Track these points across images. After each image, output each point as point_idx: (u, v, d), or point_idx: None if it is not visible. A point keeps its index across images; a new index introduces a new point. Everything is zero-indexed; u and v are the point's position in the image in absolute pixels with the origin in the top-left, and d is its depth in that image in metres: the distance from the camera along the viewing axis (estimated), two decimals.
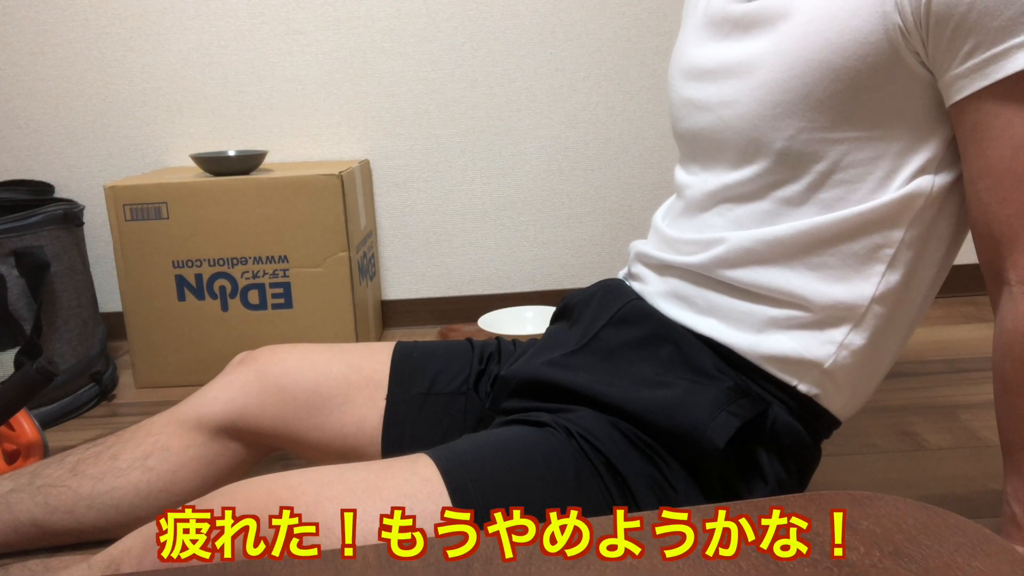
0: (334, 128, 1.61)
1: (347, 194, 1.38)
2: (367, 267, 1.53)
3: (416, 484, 0.63)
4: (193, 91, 1.59)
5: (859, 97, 0.63)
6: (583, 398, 0.71)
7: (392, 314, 1.71)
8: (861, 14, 0.61)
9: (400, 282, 1.70)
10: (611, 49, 1.59)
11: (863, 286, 0.67)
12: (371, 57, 1.58)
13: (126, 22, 1.55)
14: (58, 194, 1.59)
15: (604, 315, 0.78)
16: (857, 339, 0.68)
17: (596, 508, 0.65)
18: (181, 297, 1.37)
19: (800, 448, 0.70)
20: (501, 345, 0.88)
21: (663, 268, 0.78)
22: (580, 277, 1.71)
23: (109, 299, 1.66)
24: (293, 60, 1.58)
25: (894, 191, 0.65)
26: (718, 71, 0.72)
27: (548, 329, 0.87)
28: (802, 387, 0.69)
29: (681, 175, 0.81)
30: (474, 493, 0.63)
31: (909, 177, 0.65)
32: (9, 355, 1.23)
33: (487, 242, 1.68)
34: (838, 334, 0.68)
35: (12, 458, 1.03)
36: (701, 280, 0.74)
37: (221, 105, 1.59)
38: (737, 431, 0.66)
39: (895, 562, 0.35)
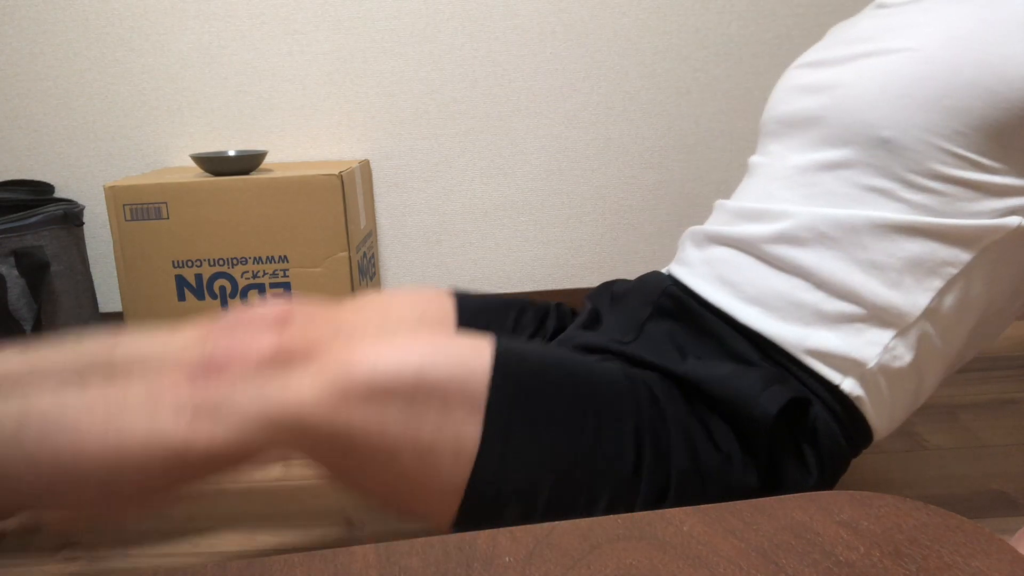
0: (334, 128, 1.62)
1: (347, 194, 1.38)
2: (367, 267, 1.53)
3: (469, 344, 0.66)
4: (193, 91, 1.59)
5: (993, 124, 0.62)
6: (643, 366, 0.73)
7: None
8: None
9: (400, 282, 1.70)
10: (611, 49, 1.59)
11: (918, 296, 0.67)
12: (371, 57, 1.58)
13: (126, 22, 1.55)
14: (58, 194, 1.59)
15: (645, 309, 0.79)
16: (902, 348, 0.68)
17: (618, 434, 0.65)
18: (181, 297, 1.37)
19: (836, 453, 0.70)
20: (552, 308, 0.89)
21: (717, 241, 0.78)
22: (580, 277, 1.71)
23: (109, 299, 1.66)
24: (293, 60, 1.58)
25: (980, 219, 0.65)
26: (847, 57, 0.72)
27: (592, 304, 0.87)
28: (845, 385, 0.69)
29: (757, 159, 0.81)
30: (515, 370, 0.65)
31: (1001, 212, 0.64)
32: None
33: (487, 242, 1.68)
34: (885, 336, 0.68)
35: None
36: (753, 259, 0.74)
37: (221, 105, 1.59)
38: (787, 406, 0.66)
39: (895, 562, 0.35)
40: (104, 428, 0.62)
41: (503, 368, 0.65)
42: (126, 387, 0.65)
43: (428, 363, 0.63)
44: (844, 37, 0.76)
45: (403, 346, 0.64)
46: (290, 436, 0.62)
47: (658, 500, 0.66)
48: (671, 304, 0.77)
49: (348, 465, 0.64)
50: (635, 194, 1.67)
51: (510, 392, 0.64)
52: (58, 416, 0.62)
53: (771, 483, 0.68)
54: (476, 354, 0.65)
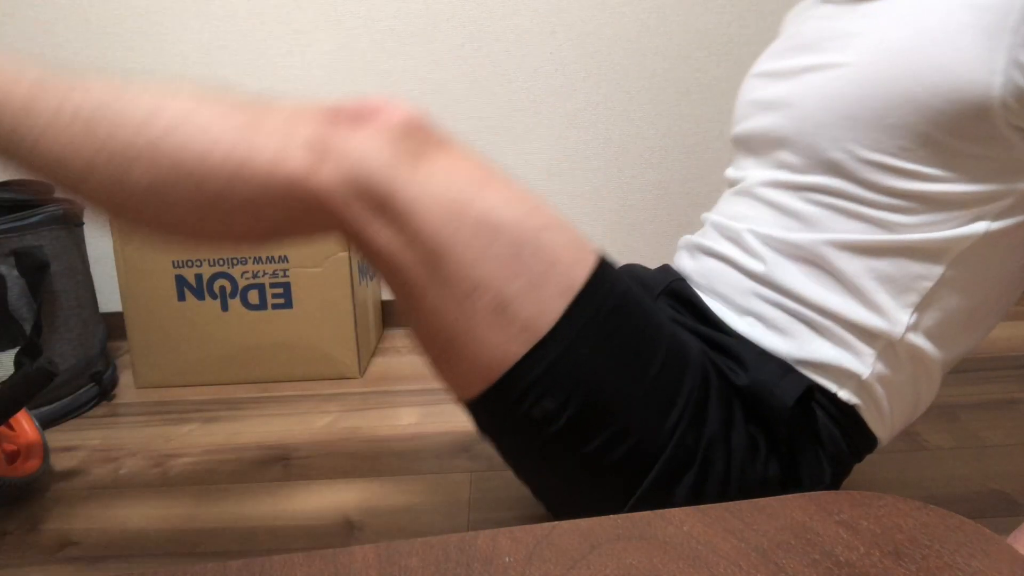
0: None
1: None
2: (367, 267, 1.53)
3: (585, 238, 0.65)
4: None
5: (933, 137, 0.62)
6: None
7: (392, 314, 1.71)
8: (965, 69, 0.59)
9: None
10: (611, 49, 1.59)
11: (897, 313, 0.67)
12: (371, 57, 1.58)
13: (126, 22, 1.55)
14: (58, 194, 1.59)
15: (656, 290, 0.80)
16: (893, 360, 0.68)
17: (679, 379, 0.66)
18: (181, 297, 1.37)
19: (839, 458, 0.70)
20: None
21: (706, 253, 0.79)
22: None
23: (109, 299, 1.66)
24: (293, 60, 1.58)
25: (946, 229, 0.64)
26: (795, 70, 0.72)
27: None
28: (842, 394, 0.69)
29: (731, 173, 0.82)
30: (612, 281, 0.65)
31: (967, 219, 0.64)
32: (9, 355, 1.23)
33: None
34: (874, 351, 0.68)
35: (12, 458, 1.03)
36: (741, 274, 0.74)
37: None
38: (803, 398, 0.66)
39: (895, 562, 0.35)
40: (236, 138, 0.60)
41: (604, 274, 0.65)
42: (265, 111, 0.64)
43: (550, 229, 0.63)
44: (793, 41, 0.76)
45: (537, 202, 0.64)
46: (395, 216, 0.61)
47: (681, 468, 0.65)
48: (680, 288, 0.78)
49: (423, 281, 0.62)
50: (635, 194, 1.67)
51: (602, 297, 0.64)
52: (193, 115, 0.61)
53: (790, 476, 0.68)
54: (588, 249, 0.65)
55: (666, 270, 0.83)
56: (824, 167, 0.68)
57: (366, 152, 0.61)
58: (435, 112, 1.61)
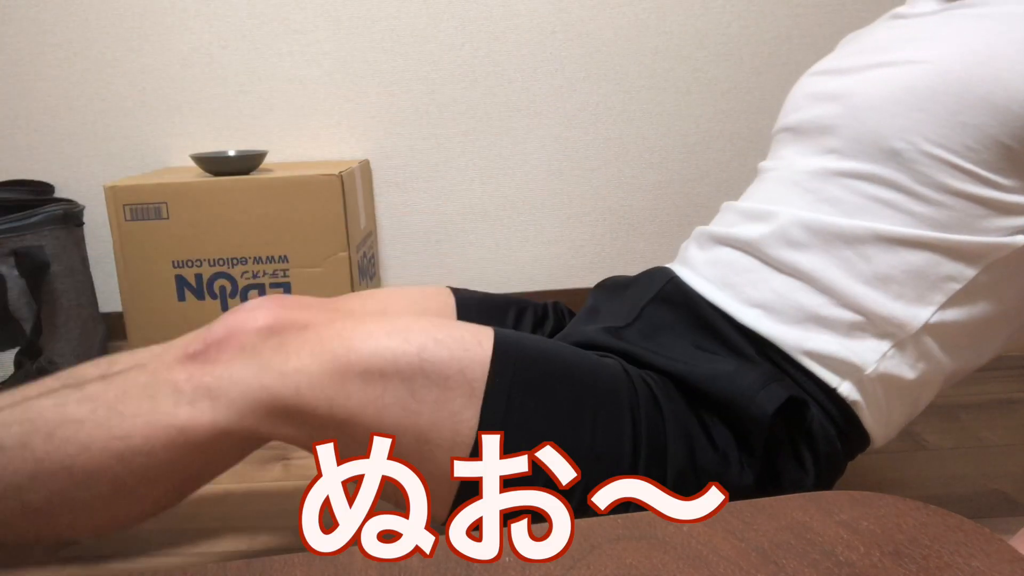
0: (334, 128, 1.61)
1: (347, 194, 1.38)
2: (367, 267, 1.53)
3: (469, 331, 0.65)
4: (193, 91, 1.59)
5: (1004, 143, 0.62)
6: (640, 364, 0.72)
7: None
8: None
9: (400, 282, 1.70)
10: (611, 49, 1.59)
11: (918, 310, 0.67)
12: (371, 57, 1.58)
13: (126, 22, 1.55)
14: (58, 194, 1.59)
15: (648, 293, 0.79)
16: (900, 357, 0.68)
17: (616, 429, 0.65)
18: (181, 297, 1.37)
19: (832, 457, 0.70)
20: (550, 307, 0.90)
21: (721, 242, 0.78)
22: (580, 277, 1.71)
23: (109, 299, 1.66)
24: (293, 60, 1.58)
25: (987, 235, 0.64)
26: (862, 66, 0.72)
27: (592, 299, 0.87)
28: (843, 388, 0.69)
29: (766, 163, 0.81)
30: (514, 360, 0.64)
31: (1010, 230, 0.64)
32: (9, 355, 1.23)
33: (487, 242, 1.68)
34: (883, 345, 0.68)
35: None
36: (756, 260, 0.73)
37: (221, 105, 1.59)
38: (784, 407, 0.66)
39: (895, 562, 0.35)
40: (107, 418, 0.61)
41: (503, 357, 0.64)
42: (125, 379, 0.64)
43: (429, 346, 0.63)
44: (860, 46, 0.76)
45: (405, 328, 0.64)
46: (290, 414, 0.62)
47: None
48: (673, 291, 0.77)
49: (346, 451, 0.63)
50: (635, 194, 1.67)
51: (509, 381, 0.63)
52: (61, 415, 0.62)
53: (769, 483, 0.68)
54: (477, 341, 0.65)
55: (657, 272, 0.82)
56: (880, 155, 0.67)
57: (232, 375, 0.61)
58: (435, 112, 1.61)
